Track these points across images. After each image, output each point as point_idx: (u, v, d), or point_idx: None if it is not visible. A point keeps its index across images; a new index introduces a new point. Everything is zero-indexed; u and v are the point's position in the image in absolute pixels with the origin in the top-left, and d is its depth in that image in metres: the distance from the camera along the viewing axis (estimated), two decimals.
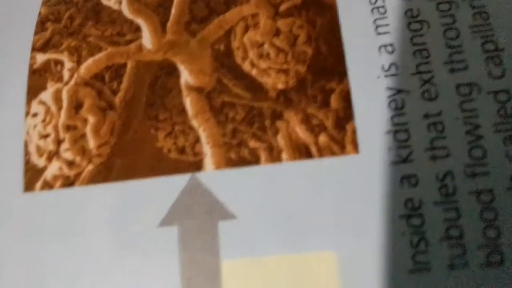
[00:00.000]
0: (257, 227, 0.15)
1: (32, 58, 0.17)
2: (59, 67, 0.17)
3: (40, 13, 0.18)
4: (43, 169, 0.16)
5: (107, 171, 0.16)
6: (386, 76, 0.16)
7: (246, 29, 0.17)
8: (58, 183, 0.16)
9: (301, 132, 0.15)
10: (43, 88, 0.17)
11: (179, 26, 0.17)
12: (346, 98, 0.16)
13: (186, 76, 0.16)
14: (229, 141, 0.16)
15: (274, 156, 0.15)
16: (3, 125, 0.17)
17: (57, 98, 0.17)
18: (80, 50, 0.17)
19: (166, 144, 0.16)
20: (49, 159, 0.16)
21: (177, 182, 0.16)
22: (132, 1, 0.18)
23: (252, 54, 0.16)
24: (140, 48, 0.17)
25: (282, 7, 0.17)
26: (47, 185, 0.16)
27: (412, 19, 0.16)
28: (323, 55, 0.16)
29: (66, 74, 0.17)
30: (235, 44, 0.17)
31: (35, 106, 0.17)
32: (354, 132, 0.15)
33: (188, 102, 0.16)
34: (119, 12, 0.18)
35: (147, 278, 0.15)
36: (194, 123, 0.16)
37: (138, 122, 0.16)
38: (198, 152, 0.16)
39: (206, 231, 0.15)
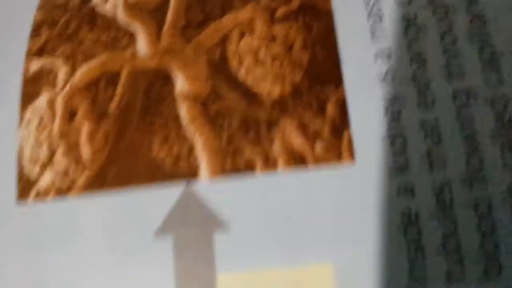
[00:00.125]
0: (252, 237, 0.15)
1: (27, 63, 0.17)
2: (54, 73, 0.17)
3: (35, 18, 0.18)
4: (37, 179, 0.16)
5: (102, 179, 0.16)
6: (382, 83, 0.16)
7: (242, 34, 0.17)
8: (52, 193, 0.16)
9: (297, 140, 0.15)
10: (38, 94, 0.17)
11: (175, 31, 0.17)
12: (342, 106, 0.16)
13: (181, 83, 0.16)
14: (225, 149, 0.16)
15: (270, 164, 0.15)
16: None
17: (51, 105, 0.17)
18: (75, 56, 0.17)
19: (161, 152, 0.16)
20: (43, 168, 0.16)
21: (172, 191, 0.15)
22: (128, 6, 0.18)
23: (247, 60, 0.16)
24: (135, 54, 0.17)
25: (278, 13, 0.17)
26: (41, 195, 0.16)
27: (409, 25, 0.16)
28: (319, 61, 0.16)
29: (60, 81, 0.17)
30: (230, 50, 0.17)
31: (29, 114, 0.17)
32: (350, 139, 0.15)
33: (183, 109, 0.16)
34: (115, 18, 0.18)
35: (143, 287, 0.15)
36: (189, 130, 0.16)
37: (133, 129, 0.16)
38: (193, 160, 0.16)
39: (201, 241, 0.15)
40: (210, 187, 0.15)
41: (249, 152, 0.15)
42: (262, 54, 0.16)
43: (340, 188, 0.15)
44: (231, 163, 0.15)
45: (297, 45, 0.16)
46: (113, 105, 0.16)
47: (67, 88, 0.17)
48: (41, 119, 0.16)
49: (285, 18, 0.17)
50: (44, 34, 0.18)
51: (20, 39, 0.18)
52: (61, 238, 0.15)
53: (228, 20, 0.17)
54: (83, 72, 0.17)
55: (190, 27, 0.17)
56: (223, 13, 0.17)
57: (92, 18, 0.18)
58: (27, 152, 0.16)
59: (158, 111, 0.16)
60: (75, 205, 0.16)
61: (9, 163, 0.16)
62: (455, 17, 0.16)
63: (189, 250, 0.15)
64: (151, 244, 0.15)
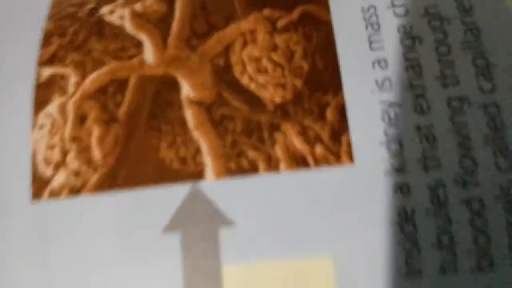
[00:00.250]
0: (256, 233, 0.15)
1: (38, 72, 0.17)
2: (64, 80, 0.17)
3: (45, 27, 0.18)
4: (50, 178, 0.16)
5: (112, 180, 0.16)
6: (380, 90, 0.16)
7: (245, 44, 0.17)
8: (65, 192, 0.16)
9: (298, 143, 0.16)
10: (49, 101, 0.17)
11: (180, 42, 0.17)
12: (341, 111, 0.16)
13: (187, 90, 0.17)
14: (229, 152, 0.16)
15: (272, 166, 0.16)
16: (11, 136, 0.17)
17: (63, 110, 0.17)
18: (85, 65, 0.17)
19: (168, 154, 0.16)
20: (56, 169, 0.16)
21: (179, 191, 0.16)
22: (135, 16, 0.18)
23: (250, 68, 0.17)
24: (142, 62, 0.17)
25: (280, 23, 0.17)
26: (54, 194, 0.16)
27: (405, 35, 0.16)
28: (319, 69, 0.16)
29: (71, 88, 0.17)
30: (234, 59, 0.17)
31: (42, 118, 0.17)
32: (349, 143, 0.16)
33: (189, 114, 0.16)
34: (122, 28, 0.18)
35: (152, 282, 0.15)
36: (195, 134, 0.16)
37: (141, 133, 0.16)
38: (199, 162, 0.16)
39: (207, 237, 0.15)
40: (215, 187, 0.15)
41: (252, 154, 0.16)
42: (264, 62, 0.17)
43: (339, 188, 0.15)
44: (235, 165, 0.16)
45: (298, 54, 0.17)
46: (121, 111, 0.17)
47: (78, 94, 0.17)
48: (53, 124, 0.17)
49: (286, 28, 0.17)
50: (55, 43, 0.18)
51: (31, 48, 0.18)
52: (73, 236, 0.16)
53: (231, 30, 0.17)
54: (93, 79, 0.17)
55: (194, 37, 0.17)
56: (226, 23, 0.17)
57: (101, 27, 0.18)
58: (40, 155, 0.16)
59: (165, 116, 0.16)
60: (87, 204, 0.16)
61: (23, 164, 0.16)
62: (449, 27, 0.16)
63: (196, 246, 0.15)
64: (159, 240, 0.15)
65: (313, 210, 0.15)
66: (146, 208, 0.16)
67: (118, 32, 0.18)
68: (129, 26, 0.18)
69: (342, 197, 0.15)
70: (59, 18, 0.18)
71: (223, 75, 0.17)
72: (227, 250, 0.15)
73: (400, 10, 0.17)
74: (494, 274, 0.14)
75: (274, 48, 0.17)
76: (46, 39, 0.18)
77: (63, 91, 0.17)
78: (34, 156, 0.17)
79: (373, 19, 0.17)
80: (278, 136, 0.16)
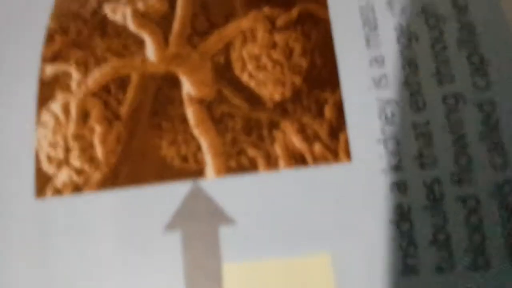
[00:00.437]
0: (256, 231, 0.15)
1: (42, 69, 0.17)
2: (67, 78, 0.17)
3: (49, 26, 0.18)
4: (53, 176, 0.16)
5: (114, 178, 0.16)
6: (376, 87, 0.16)
7: (245, 42, 0.17)
8: (68, 190, 0.16)
9: (297, 141, 0.16)
10: (53, 98, 0.17)
11: (181, 39, 0.17)
12: (339, 109, 0.16)
13: (188, 87, 0.17)
14: (229, 149, 0.16)
15: (272, 163, 0.16)
16: (14, 134, 0.17)
17: (66, 108, 0.17)
18: (88, 62, 0.17)
19: (170, 152, 0.16)
20: (59, 166, 0.16)
21: (180, 189, 0.16)
22: (137, 15, 0.18)
23: (250, 66, 0.17)
24: (144, 60, 0.17)
25: (279, 21, 0.17)
26: (57, 191, 0.16)
27: (402, 33, 0.16)
28: (317, 67, 0.16)
29: (74, 85, 0.17)
30: (234, 56, 0.17)
31: (45, 116, 0.17)
32: (346, 141, 0.15)
33: (190, 112, 0.16)
34: (124, 26, 0.18)
35: (153, 279, 0.15)
36: (196, 132, 0.16)
37: (143, 131, 0.16)
38: (200, 160, 0.16)
39: (207, 235, 0.15)
40: (215, 185, 0.15)
41: (252, 152, 0.16)
42: (263, 60, 0.17)
43: (337, 185, 0.15)
44: (236, 163, 0.16)
45: (297, 52, 0.17)
46: (124, 109, 0.16)
47: (81, 92, 0.17)
48: (56, 122, 0.17)
49: (285, 26, 0.17)
50: (58, 41, 0.18)
51: (34, 45, 0.18)
52: (75, 232, 0.16)
53: (231, 28, 0.17)
54: (96, 77, 0.17)
55: (195, 34, 0.17)
56: (226, 21, 0.17)
57: (103, 26, 0.18)
58: (44, 152, 0.16)
59: (167, 113, 0.16)
60: (89, 202, 0.16)
61: (27, 162, 0.16)
62: (445, 25, 0.16)
63: (197, 243, 0.15)
64: (161, 237, 0.15)
65: (312, 207, 0.15)
66: (148, 206, 0.16)
67: (120, 30, 0.18)
68: (131, 25, 0.18)
69: (340, 194, 0.15)
70: (62, 16, 0.18)
71: (224, 73, 0.17)
72: (227, 247, 0.15)
73: (397, 9, 0.17)
74: (490, 272, 0.14)
75: (274, 45, 0.17)
76: (50, 37, 0.18)
77: (66, 88, 0.17)
78: (37, 153, 0.16)
79: (371, 17, 0.17)
80: (277, 134, 0.16)
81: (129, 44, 0.18)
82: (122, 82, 0.17)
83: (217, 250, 0.15)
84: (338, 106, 0.16)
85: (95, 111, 0.17)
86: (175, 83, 0.17)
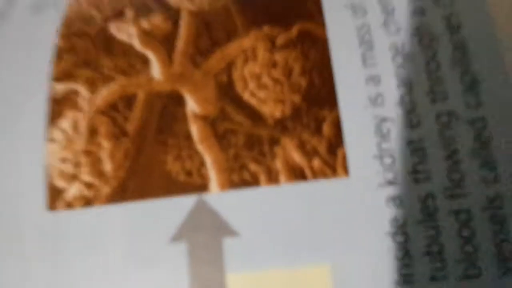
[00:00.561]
0: (258, 243, 0.15)
1: (52, 87, 0.17)
2: (76, 96, 0.17)
3: (57, 44, 0.18)
4: (64, 190, 0.16)
5: (123, 192, 0.16)
6: (373, 105, 0.16)
7: (246, 61, 0.17)
8: (79, 203, 0.16)
9: (297, 157, 0.16)
10: (62, 115, 0.17)
11: (185, 58, 0.17)
12: (337, 126, 0.16)
13: (192, 105, 0.17)
14: (232, 164, 0.16)
15: (273, 178, 0.16)
16: (25, 150, 0.17)
17: (75, 125, 0.17)
18: (95, 81, 0.17)
19: (175, 167, 0.16)
20: (70, 181, 0.16)
21: (185, 202, 0.16)
22: (142, 34, 0.18)
23: (251, 84, 0.17)
24: (150, 79, 0.17)
25: (279, 41, 0.17)
26: (69, 205, 0.16)
27: (397, 53, 0.17)
28: (316, 86, 0.16)
29: (82, 103, 0.17)
30: (236, 75, 0.17)
31: (55, 133, 0.17)
32: (344, 156, 0.16)
33: (194, 129, 0.16)
34: (130, 45, 0.18)
35: None
36: (200, 148, 0.16)
37: (149, 147, 0.16)
38: (204, 175, 0.16)
39: (212, 247, 0.15)
40: (219, 199, 0.16)
41: (254, 167, 0.16)
42: (264, 79, 0.17)
43: (336, 199, 0.15)
44: (238, 177, 0.16)
45: (296, 71, 0.17)
46: (131, 125, 0.17)
47: (89, 110, 0.17)
48: (66, 138, 0.17)
49: (285, 45, 0.17)
50: (66, 60, 0.18)
51: (43, 64, 0.18)
52: (86, 245, 0.16)
53: (233, 47, 0.17)
54: (103, 95, 0.17)
55: (198, 54, 0.17)
56: (228, 40, 0.17)
57: (110, 45, 0.18)
58: (55, 168, 0.17)
59: (172, 130, 0.16)
60: (99, 214, 0.16)
61: (39, 176, 0.16)
62: (439, 46, 0.17)
63: (201, 255, 0.15)
64: (167, 249, 0.16)
65: (312, 220, 0.15)
66: (154, 219, 0.16)
67: (126, 49, 0.18)
68: (136, 44, 0.18)
69: (339, 207, 0.15)
70: (70, 36, 0.18)
71: (226, 91, 0.17)
72: (231, 259, 0.15)
73: (392, 29, 0.17)
74: (481, 282, 0.14)
75: (274, 65, 0.17)
76: (59, 56, 0.18)
77: (75, 106, 0.17)
78: (48, 169, 0.17)
79: (367, 37, 0.17)
80: (278, 150, 0.16)
81: (135, 63, 0.18)
82: (129, 100, 0.17)
83: (221, 261, 0.15)
84: (336, 123, 0.16)
85: (103, 128, 0.17)
86: (179, 101, 0.17)
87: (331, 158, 0.16)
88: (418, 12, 0.17)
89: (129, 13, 0.19)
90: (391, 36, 0.17)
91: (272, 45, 0.17)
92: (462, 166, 0.15)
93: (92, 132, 0.17)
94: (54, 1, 0.20)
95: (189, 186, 0.16)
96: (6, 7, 0.20)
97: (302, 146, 0.16)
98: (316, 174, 0.16)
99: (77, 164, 0.17)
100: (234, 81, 0.17)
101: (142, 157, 0.16)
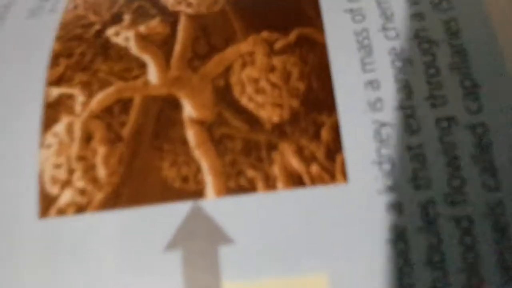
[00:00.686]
0: (255, 250, 0.15)
1: (47, 92, 0.17)
2: (71, 100, 0.17)
3: (53, 49, 0.18)
4: (57, 196, 0.16)
5: (117, 198, 0.16)
6: (372, 110, 0.16)
7: (244, 66, 0.17)
8: (71, 210, 0.16)
9: (295, 162, 0.16)
10: (57, 120, 0.17)
11: (183, 63, 0.17)
12: (336, 131, 0.16)
13: (188, 110, 0.16)
14: (229, 170, 0.16)
15: (270, 184, 0.15)
16: (18, 155, 0.17)
17: (70, 130, 0.17)
18: (91, 85, 0.17)
19: (171, 173, 0.16)
20: (62, 187, 0.16)
21: (180, 209, 0.15)
22: (139, 38, 0.18)
23: (249, 89, 0.17)
24: (146, 83, 0.17)
25: (277, 45, 0.17)
26: (61, 212, 0.16)
27: (396, 57, 0.16)
28: (314, 90, 0.16)
29: (78, 108, 0.17)
30: (233, 79, 0.17)
31: (49, 138, 0.17)
32: (343, 162, 0.15)
33: (191, 134, 0.16)
34: (127, 49, 0.18)
35: None
36: (196, 153, 0.16)
37: (144, 152, 0.16)
38: (200, 181, 0.16)
39: (207, 254, 0.15)
40: (215, 205, 0.15)
41: (251, 173, 0.16)
42: (262, 83, 0.17)
43: (334, 205, 0.15)
44: (235, 184, 0.16)
45: (294, 75, 0.17)
46: (126, 130, 0.16)
47: (84, 114, 0.17)
48: (60, 143, 0.16)
49: (283, 50, 0.17)
50: (62, 64, 0.18)
51: (39, 68, 0.18)
52: (79, 252, 0.15)
53: (231, 52, 0.17)
54: (99, 99, 0.17)
55: (196, 58, 0.17)
56: (226, 45, 0.17)
57: (106, 49, 0.18)
58: (47, 173, 0.16)
59: (168, 135, 0.16)
60: (93, 222, 0.16)
61: (31, 183, 0.16)
62: (438, 50, 0.16)
63: (197, 262, 0.15)
64: (161, 256, 0.15)
65: (310, 227, 0.15)
66: (149, 226, 0.16)
67: (123, 53, 0.18)
68: (133, 48, 0.18)
69: (337, 215, 0.15)
70: (66, 40, 0.18)
71: (224, 95, 0.17)
72: (227, 267, 0.15)
73: (391, 33, 0.17)
74: None
75: (272, 69, 0.17)
76: (54, 60, 0.18)
77: (70, 111, 0.17)
78: (41, 175, 0.16)
79: (366, 41, 0.17)
80: (276, 156, 0.16)
81: (131, 67, 0.18)
82: (124, 105, 0.17)
83: (217, 269, 0.15)
84: (334, 129, 0.16)
85: (98, 133, 0.17)
86: (176, 106, 0.17)
87: (329, 163, 0.15)
88: (417, 16, 0.17)
89: (127, 17, 0.19)
90: (390, 40, 0.17)
91: (270, 49, 0.17)
92: (463, 172, 0.15)
93: (87, 137, 0.17)
94: (51, 6, 0.20)
95: (184, 192, 0.16)
96: (3, 11, 0.20)
97: (300, 152, 0.16)
98: (314, 180, 0.15)
99: (70, 170, 0.16)
100: (231, 85, 0.17)
101: (137, 162, 0.16)
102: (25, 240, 0.16)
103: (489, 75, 0.16)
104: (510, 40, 0.17)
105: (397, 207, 0.15)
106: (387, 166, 0.15)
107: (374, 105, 0.16)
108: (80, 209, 0.16)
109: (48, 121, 0.17)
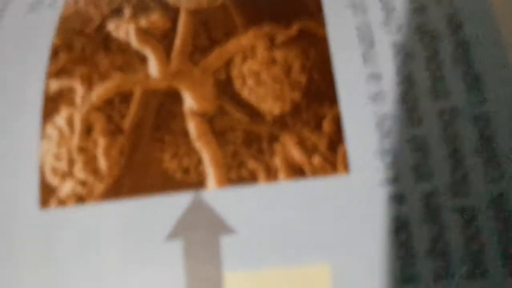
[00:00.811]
0: (256, 241, 0.15)
1: (47, 84, 0.17)
2: (72, 93, 0.17)
3: (53, 42, 0.18)
4: (57, 187, 0.16)
5: (117, 189, 0.16)
6: (373, 102, 0.16)
7: (245, 59, 0.17)
8: (72, 201, 0.16)
9: (296, 154, 0.15)
10: (58, 112, 0.17)
11: (183, 56, 0.17)
12: (337, 123, 0.16)
13: (189, 102, 0.16)
14: (230, 162, 0.16)
15: (272, 175, 0.15)
16: (19, 147, 0.17)
17: (70, 122, 0.17)
18: (92, 78, 0.17)
19: (172, 165, 0.16)
20: (63, 178, 0.16)
21: (182, 200, 0.15)
22: (140, 32, 0.18)
23: (250, 82, 0.16)
24: (147, 76, 0.17)
25: (278, 39, 0.17)
26: (61, 202, 0.16)
27: (398, 51, 0.16)
28: (316, 82, 0.16)
29: (78, 100, 0.17)
30: (235, 72, 0.17)
31: (50, 129, 0.17)
32: (345, 154, 0.15)
33: (192, 126, 0.16)
34: (128, 43, 0.18)
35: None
36: (197, 145, 0.16)
37: (145, 144, 0.16)
38: (201, 172, 0.16)
39: (209, 245, 0.15)
40: (217, 196, 0.15)
41: (252, 164, 0.16)
42: (263, 76, 0.17)
43: (336, 196, 0.15)
44: (236, 175, 0.16)
45: (296, 68, 0.17)
46: (127, 122, 0.16)
47: (85, 106, 0.17)
48: (60, 135, 0.16)
49: (285, 44, 0.17)
50: (62, 57, 0.18)
51: (40, 61, 0.18)
52: (79, 243, 0.15)
53: (231, 45, 0.17)
54: (99, 92, 0.17)
55: (197, 51, 0.17)
56: (227, 38, 0.17)
57: (107, 42, 0.18)
58: (48, 164, 0.16)
59: (169, 128, 0.16)
60: (93, 213, 0.16)
61: (32, 174, 0.16)
62: (440, 43, 0.16)
63: (198, 253, 0.15)
64: (162, 247, 0.15)
65: (312, 218, 0.15)
66: (150, 217, 0.15)
67: (123, 47, 0.18)
68: (134, 42, 0.18)
69: (339, 206, 0.15)
70: (67, 33, 0.18)
71: (225, 88, 0.17)
72: (228, 257, 0.15)
73: (393, 27, 0.17)
74: (487, 281, 0.14)
75: (273, 62, 0.17)
76: (54, 53, 0.18)
77: (70, 103, 0.17)
78: (42, 166, 0.16)
79: (367, 35, 0.17)
80: (277, 147, 0.15)
81: (132, 60, 0.17)
82: (125, 97, 0.17)
83: (218, 259, 0.15)
84: (336, 120, 0.16)
85: (99, 125, 0.17)
86: (177, 99, 0.17)
87: (331, 155, 0.15)
88: (419, 10, 0.17)
89: (127, 11, 0.19)
90: (392, 34, 0.17)
91: (271, 43, 0.17)
92: (466, 164, 0.15)
93: (87, 129, 0.17)
94: (50, 1, 0.20)
95: (185, 184, 0.16)
96: (2, 5, 0.20)
97: (302, 143, 0.16)
98: (316, 171, 0.15)
99: (71, 161, 0.16)
100: (232, 78, 0.17)
101: (138, 154, 0.16)
102: (25, 230, 0.16)
103: (492, 67, 0.16)
104: None
105: (399, 198, 0.15)
106: (389, 158, 0.15)
107: (376, 97, 0.16)
108: (81, 200, 0.16)
109: (48, 113, 0.17)
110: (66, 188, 0.16)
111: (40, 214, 0.16)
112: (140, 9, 0.19)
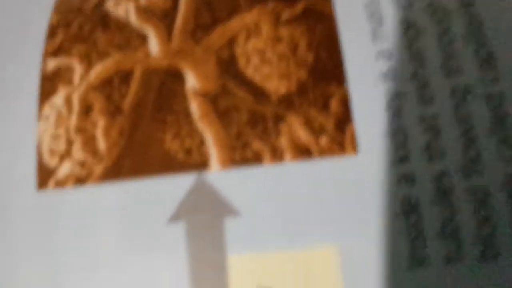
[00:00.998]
0: (261, 223, 0.15)
1: (44, 63, 0.17)
2: (70, 72, 0.17)
3: (50, 20, 0.18)
4: (55, 168, 0.16)
5: (117, 170, 0.16)
6: (383, 81, 0.16)
7: (249, 36, 0.17)
8: (70, 182, 0.16)
9: (303, 134, 0.16)
10: (55, 92, 0.17)
11: (185, 34, 0.17)
12: (346, 102, 0.16)
13: (192, 81, 0.16)
14: (234, 142, 0.16)
15: (277, 156, 0.15)
16: (16, 127, 0.17)
17: (68, 101, 0.17)
18: (90, 56, 0.17)
19: (173, 145, 0.16)
20: (61, 160, 0.16)
21: (184, 181, 0.16)
22: (140, 10, 0.18)
23: (255, 60, 0.16)
24: (147, 54, 0.17)
25: (283, 16, 0.17)
26: (60, 184, 0.16)
27: (408, 27, 0.16)
28: (323, 61, 0.16)
29: (76, 79, 0.17)
30: (238, 51, 0.17)
31: (47, 109, 0.17)
32: (353, 134, 0.15)
33: (194, 105, 0.16)
34: (127, 21, 0.18)
35: (156, 272, 0.15)
36: (200, 125, 0.16)
37: (146, 124, 0.16)
38: (204, 153, 0.16)
39: (212, 228, 0.15)
40: (220, 177, 0.15)
41: (257, 145, 0.16)
42: (268, 54, 0.17)
43: (344, 177, 0.15)
44: (240, 155, 0.16)
45: (302, 46, 0.17)
46: (127, 102, 0.16)
47: (83, 86, 0.17)
48: (58, 115, 0.16)
49: (290, 21, 0.17)
50: (60, 36, 0.18)
51: (37, 39, 0.18)
52: (78, 225, 0.16)
53: (235, 23, 0.17)
54: (98, 70, 0.17)
55: (199, 29, 0.17)
56: (230, 16, 0.17)
57: (106, 20, 0.18)
58: (46, 145, 0.16)
59: (170, 107, 0.16)
60: (92, 194, 0.16)
61: (29, 155, 0.16)
62: (452, 20, 0.16)
63: (201, 236, 0.15)
64: (165, 229, 0.15)
65: (318, 200, 0.15)
66: (152, 199, 0.16)
67: (123, 25, 0.18)
68: (134, 19, 0.18)
69: (347, 187, 0.15)
70: (64, 11, 0.18)
71: (228, 67, 0.17)
72: (232, 240, 0.15)
73: (403, 3, 0.17)
74: (499, 264, 0.14)
75: (279, 40, 0.17)
76: (52, 31, 0.18)
77: (68, 82, 0.17)
78: (39, 146, 0.16)
79: (376, 11, 0.17)
80: (283, 127, 0.16)
81: (131, 39, 0.18)
82: (125, 76, 0.17)
83: (222, 242, 0.15)
84: (344, 99, 0.16)
85: (98, 104, 0.17)
86: (178, 77, 0.17)
87: (339, 135, 0.15)
88: None
89: None
90: (402, 10, 0.17)
91: (276, 20, 0.17)
92: (478, 143, 0.15)
93: (86, 109, 0.17)
94: None
95: (188, 165, 0.16)
96: None
97: (308, 123, 0.16)
98: (323, 152, 0.15)
99: (69, 142, 0.16)
100: (236, 57, 0.17)
101: (138, 134, 0.16)
102: (22, 213, 0.16)
103: (506, 43, 0.16)
104: None
105: (409, 179, 0.15)
106: (399, 137, 0.15)
107: (386, 75, 0.16)
108: (80, 181, 0.16)
109: (46, 93, 0.17)
110: (65, 169, 0.16)
111: (38, 196, 0.16)
112: None
